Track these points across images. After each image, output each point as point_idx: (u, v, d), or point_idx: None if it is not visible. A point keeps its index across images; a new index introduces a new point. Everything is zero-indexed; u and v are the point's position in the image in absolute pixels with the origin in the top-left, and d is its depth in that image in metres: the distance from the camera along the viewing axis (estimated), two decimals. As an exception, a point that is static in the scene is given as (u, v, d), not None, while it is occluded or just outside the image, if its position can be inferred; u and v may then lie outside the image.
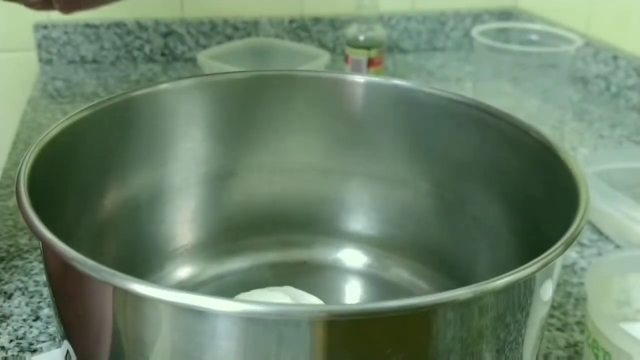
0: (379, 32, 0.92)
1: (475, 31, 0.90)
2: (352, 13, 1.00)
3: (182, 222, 0.52)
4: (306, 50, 0.97)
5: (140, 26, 1.05)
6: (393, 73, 1.04)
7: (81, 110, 0.44)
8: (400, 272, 0.53)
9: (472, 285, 0.29)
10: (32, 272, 0.56)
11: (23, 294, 0.53)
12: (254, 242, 0.54)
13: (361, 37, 0.91)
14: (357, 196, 0.54)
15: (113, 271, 0.29)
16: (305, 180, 0.54)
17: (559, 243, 0.32)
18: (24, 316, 0.51)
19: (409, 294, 0.51)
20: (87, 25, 1.03)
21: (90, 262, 0.29)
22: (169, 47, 1.07)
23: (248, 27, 1.08)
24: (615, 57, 0.94)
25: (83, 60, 1.05)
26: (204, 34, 1.07)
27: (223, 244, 0.54)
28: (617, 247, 0.62)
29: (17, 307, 0.52)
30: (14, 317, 0.51)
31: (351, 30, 0.92)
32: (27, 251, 0.59)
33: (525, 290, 0.32)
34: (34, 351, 0.48)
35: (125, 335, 0.31)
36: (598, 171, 0.66)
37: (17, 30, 1.02)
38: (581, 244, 0.62)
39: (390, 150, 0.52)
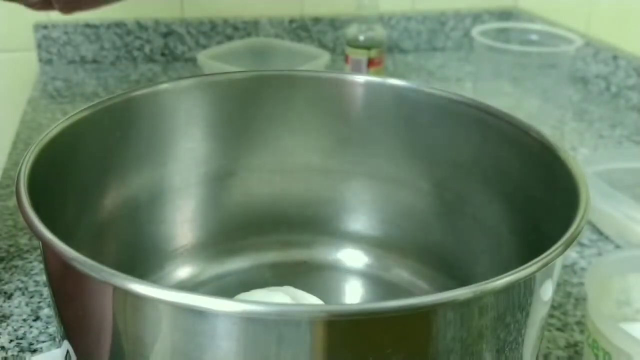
0: (379, 32, 0.92)
1: (475, 31, 0.90)
2: (352, 13, 1.00)
3: (182, 222, 0.52)
4: (306, 50, 0.97)
5: (140, 26, 1.05)
6: (393, 73, 1.04)
7: (81, 110, 0.44)
8: (400, 272, 0.53)
9: (472, 285, 0.29)
10: (32, 272, 0.56)
11: (23, 294, 0.53)
12: (254, 242, 0.54)
13: (361, 37, 0.91)
14: (357, 196, 0.54)
15: (113, 271, 0.29)
16: (305, 180, 0.54)
17: (559, 243, 0.32)
18: (24, 316, 0.51)
19: (409, 294, 0.51)
20: (87, 25, 1.03)
21: (90, 262, 0.29)
22: (169, 47, 1.07)
23: (248, 27, 1.08)
24: (615, 57, 0.94)
25: (83, 60, 1.05)
26: (204, 34, 1.07)
27: (223, 244, 0.54)
28: (617, 247, 0.62)
29: (17, 307, 0.52)
30: (14, 317, 0.51)
31: (351, 30, 0.92)
32: (27, 251, 0.59)
33: (525, 290, 0.32)
34: (34, 351, 0.48)
35: (125, 335, 0.31)
36: (598, 171, 0.66)
37: (17, 30, 1.02)
38: (581, 244, 0.62)
39: (390, 150, 0.52)
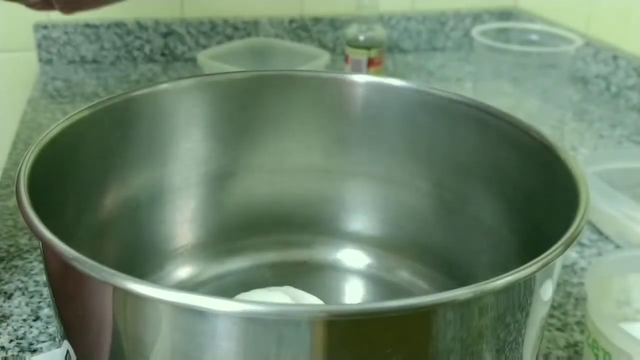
0: (379, 32, 0.92)
1: (475, 31, 0.90)
2: (352, 13, 1.00)
3: (182, 222, 0.52)
4: (306, 50, 0.97)
5: (140, 26, 1.05)
6: (393, 73, 1.04)
7: (81, 110, 0.44)
8: (400, 272, 0.53)
9: (472, 285, 0.29)
10: (32, 272, 0.56)
11: (23, 294, 0.53)
12: (254, 242, 0.54)
13: (361, 37, 0.91)
14: (357, 196, 0.54)
15: (113, 271, 0.29)
16: (305, 180, 0.54)
17: (559, 243, 0.32)
18: (24, 316, 0.51)
19: (409, 294, 0.51)
20: (87, 25, 1.03)
21: (90, 262, 0.29)
22: (169, 47, 1.07)
23: (248, 27, 1.08)
24: (615, 57, 0.94)
25: (83, 60, 1.05)
26: (204, 34, 1.07)
27: (223, 244, 0.54)
28: (617, 247, 0.62)
29: (17, 307, 0.52)
30: (14, 317, 0.51)
31: (351, 30, 0.92)
32: (27, 251, 0.59)
33: (525, 290, 0.32)
34: (34, 351, 0.48)
35: (125, 335, 0.31)
36: (598, 171, 0.66)
37: (17, 30, 1.02)
38: (581, 244, 0.62)
39: (390, 150, 0.52)
